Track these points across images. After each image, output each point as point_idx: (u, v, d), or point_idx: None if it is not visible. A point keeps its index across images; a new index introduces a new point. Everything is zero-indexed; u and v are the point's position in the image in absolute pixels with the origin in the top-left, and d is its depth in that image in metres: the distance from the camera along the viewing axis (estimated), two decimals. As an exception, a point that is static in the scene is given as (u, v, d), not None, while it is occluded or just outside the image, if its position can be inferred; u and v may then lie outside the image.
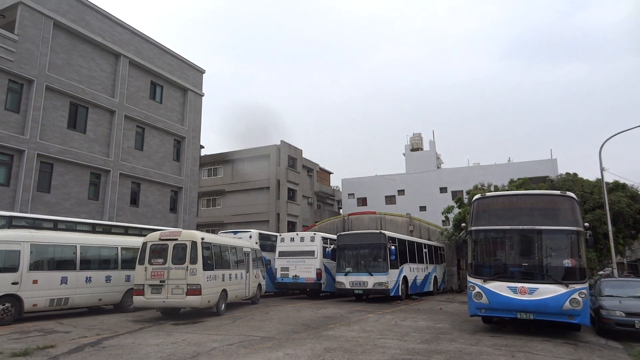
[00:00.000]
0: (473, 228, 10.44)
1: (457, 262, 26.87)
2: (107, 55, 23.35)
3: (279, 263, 19.52)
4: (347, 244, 18.07)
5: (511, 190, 20.53)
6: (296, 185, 39.69)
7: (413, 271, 19.61)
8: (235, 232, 20.71)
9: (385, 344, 8.41)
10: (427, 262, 21.80)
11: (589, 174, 54.58)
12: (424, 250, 21.91)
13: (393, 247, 17.25)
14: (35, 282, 11.67)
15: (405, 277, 18.40)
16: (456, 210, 24.75)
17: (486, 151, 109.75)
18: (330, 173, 50.82)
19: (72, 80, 21.32)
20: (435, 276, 22.74)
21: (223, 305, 13.19)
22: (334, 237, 19.92)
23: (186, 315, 13.09)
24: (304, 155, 42.11)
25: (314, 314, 13.37)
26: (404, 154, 51.23)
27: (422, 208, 42.60)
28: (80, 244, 13.20)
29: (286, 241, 19.79)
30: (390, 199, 45.64)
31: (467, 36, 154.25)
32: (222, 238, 15.20)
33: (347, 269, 17.62)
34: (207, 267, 12.25)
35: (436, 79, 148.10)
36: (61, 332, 9.86)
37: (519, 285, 9.48)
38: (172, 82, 27.23)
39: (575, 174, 22.63)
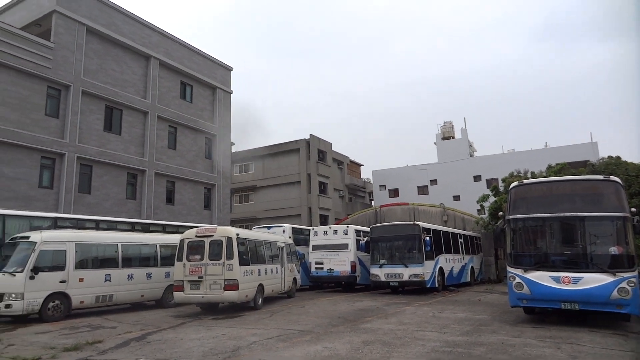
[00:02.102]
0: (511, 217, 10.14)
1: (494, 251, 26.25)
2: (138, 58, 23.92)
3: (313, 257, 19.61)
4: (380, 236, 17.95)
5: (549, 176, 19.84)
6: (327, 178, 39.69)
7: (449, 262, 19.30)
8: (268, 227, 20.92)
9: (424, 336, 8.31)
10: (463, 253, 21.40)
11: (633, 156, 52.18)
12: (460, 240, 21.52)
13: (428, 238, 17.02)
14: (81, 280, 12.15)
15: (441, 268, 18.13)
16: (492, 199, 24.15)
17: (521, 137, 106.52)
18: (360, 165, 50.58)
19: (106, 83, 21.97)
20: (472, 267, 22.32)
21: (260, 300, 13.36)
22: (367, 229, 19.82)
23: (225, 310, 13.34)
24: (333, 149, 42.03)
25: (350, 307, 13.37)
26: (435, 143, 50.40)
27: (456, 197, 41.84)
28: (122, 242, 13.64)
29: (319, 235, 19.84)
30: (422, 189, 45.05)
31: (495, 20, 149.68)
32: (256, 233, 15.38)
33: (382, 261, 17.51)
34: (243, 262, 12.42)
35: (464, 66, 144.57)
36: (107, 327, 10.24)
37: (562, 274, 9.16)
38: (201, 81, 27.66)
39: (618, 157, 21.60)
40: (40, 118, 19.21)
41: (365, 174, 54.84)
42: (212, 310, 13.30)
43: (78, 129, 20.34)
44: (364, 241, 18.72)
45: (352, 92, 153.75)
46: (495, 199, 23.52)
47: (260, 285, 13.43)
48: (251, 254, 13.22)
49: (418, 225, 17.52)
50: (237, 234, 12.60)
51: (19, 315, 11.14)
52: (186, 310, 13.63)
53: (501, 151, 47.52)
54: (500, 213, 12.49)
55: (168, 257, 14.61)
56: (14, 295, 10.90)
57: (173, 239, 14.69)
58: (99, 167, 21.32)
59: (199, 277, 12.12)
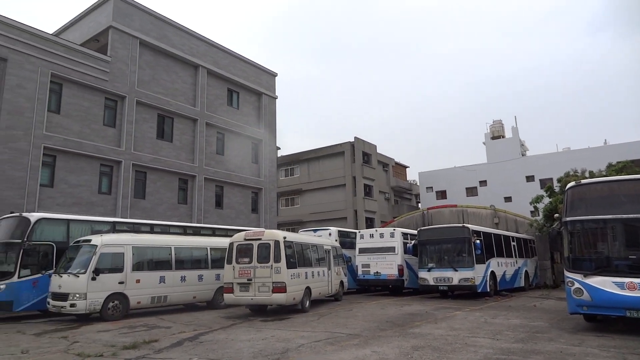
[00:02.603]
0: (568, 219, 9.63)
1: (550, 255, 25.03)
2: (187, 68, 24.85)
3: (359, 260, 19.52)
4: (428, 239, 17.60)
5: (610, 175, 18.70)
6: (372, 181, 39.44)
7: (501, 266, 18.61)
8: (315, 230, 21.04)
9: (476, 342, 8.05)
10: (516, 256, 20.57)
11: None
12: (512, 243, 20.70)
13: (478, 241, 16.50)
14: (138, 281, 12.74)
15: (492, 272, 17.52)
16: (546, 200, 23.07)
17: (578, 134, 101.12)
18: (406, 167, 49.89)
19: (158, 93, 22.97)
20: (526, 271, 21.40)
21: (308, 303, 13.45)
22: (414, 232, 19.50)
23: (273, 312, 13.53)
24: (378, 151, 41.72)
25: (399, 311, 13.19)
26: (484, 143, 48.86)
27: (507, 199, 40.34)
28: (175, 245, 14.19)
29: (366, 238, 19.73)
30: (471, 191, 43.77)
31: (544, 15, 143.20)
32: (303, 236, 15.52)
33: (430, 265, 17.15)
34: (290, 265, 12.56)
35: (513, 64, 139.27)
36: (163, 327, 10.66)
37: (626, 280, 8.58)
38: (247, 88, 28.32)
39: (687, 154, 20.06)
40: (99, 128, 20.37)
41: (412, 175, 54.06)
42: (260, 312, 13.54)
43: (133, 138, 21.40)
44: (412, 244, 18.42)
45: (398, 93, 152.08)
46: (551, 200, 22.46)
47: (308, 288, 13.53)
48: (298, 257, 13.35)
49: (467, 227, 17.04)
50: (285, 237, 12.77)
51: (82, 314, 11.84)
52: (236, 311, 13.95)
53: (555, 150, 45.33)
54: (556, 215, 11.90)
55: (218, 260, 15.04)
56: (77, 295, 11.60)
57: (222, 242, 15.09)
58: (152, 173, 22.30)
59: (248, 280, 12.38)
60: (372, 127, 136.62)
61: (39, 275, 12.85)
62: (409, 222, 29.75)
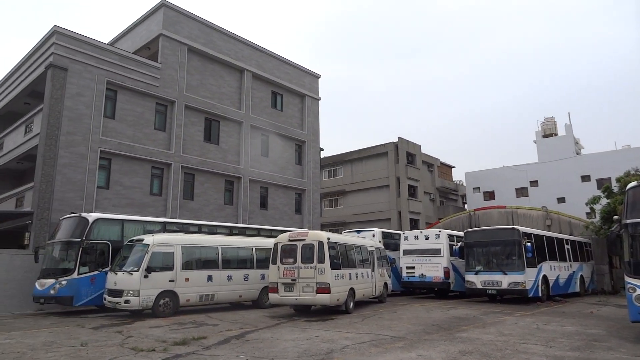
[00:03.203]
0: (629, 221, 9.06)
1: (608, 259, 23.63)
2: (233, 72, 25.46)
3: (404, 262, 19.25)
4: (475, 241, 17.10)
5: (676, 174, 17.40)
6: (416, 181, 38.80)
7: (554, 270, 17.77)
8: (358, 232, 20.96)
9: (528, 349, 7.73)
10: (570, 260, 19.58)
11: None
12: (566, 246, 19.72)
13: (529, 244, 15.85)
14: (187, 279, 13.19)
15: (545, 277, 16.77)
16: (604, 201, 21.79)
17: (639, 132, 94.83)
18: (451, 167, 48.70)
19: (205, 97, 23.69)
20: (581, 275, 20.31)
21: (351, 304, 13.42)
22: (461, 234, 19.01)
23: (317, 313, 13.60)
24: (423, 151, 41.00)
25: (445, 315, 12.89)
26: (534, 142, 46.91)
27: (560, 200, 38.48)
28: (221, 245, 14.58)
29: (410, 239, 19.44)
30: (521, 192, 42.08)
31: (596, 5, 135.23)
32: (346, 237, 15.51)
33: (478, 268, 16.65)
34: (334, 266, 12.58)
35: (564, 58, 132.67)
36: (210, 325, 10.97)
37: (695, 287, 7.97)
38: (290, 90, 28.65)
39: None
40: (150, 132, 21.26)
41: (458, 176, 52.73)
42: (305, 312, 13.65)
43: (182, 141, 22.17)
44: (458, 246, 17.96)
45: (442, 92, 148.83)
46: (609, 200, 21.20)
47: (352, 289, 13.49)
48: (342, 258, 13.34)
49: (517, 229, 16.41)
50: (328, 238, 12.80)
51: (136, 310, 12.40)
52: (280, 311, 14.13)
53: (614, 148, 42.75)
54: (615, 217, 11.16)
55: (263, 260, 15.31)
56: (131, 292, 12.16)
57: (267, 242, 15.35)
58: (200, 175, 23.02)
59: (292, 280, 12.51)
60: (416, 128, 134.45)
61: (96, 272, 13.59)
62: (455, 223, 29.02)
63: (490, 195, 43.73)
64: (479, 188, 44.82)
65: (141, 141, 20.72)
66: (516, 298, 17.32)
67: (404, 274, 19.14)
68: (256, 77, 26.50)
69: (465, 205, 46.56)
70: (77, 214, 14.62)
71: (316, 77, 30.80)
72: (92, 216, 14.14)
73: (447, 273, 17.98)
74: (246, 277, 14.97)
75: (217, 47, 24.46)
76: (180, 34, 22.71)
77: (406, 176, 37.56)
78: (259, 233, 18.39)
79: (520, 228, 16.71)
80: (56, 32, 18.52)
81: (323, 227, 33.85)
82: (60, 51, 18.41)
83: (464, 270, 17.48)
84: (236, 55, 25.38)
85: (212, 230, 17.06)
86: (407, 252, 19.30)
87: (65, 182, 17.77)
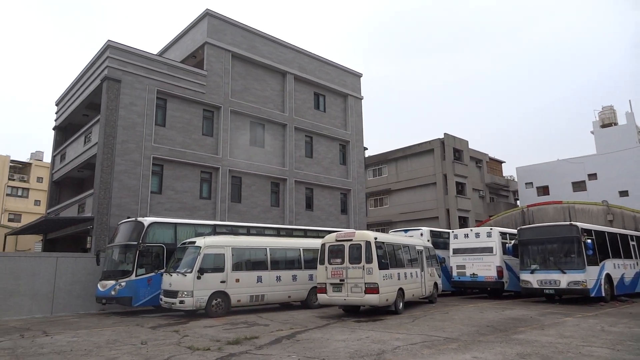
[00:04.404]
0: None
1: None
2: (276, 75, 25.82)
3: (454, 261, 18.76)
4: (530, 238, 16.36)
5: None
6: (464, 178, 37.74)
7: (618, 268, 16.70)
8: (405, 231, 20.65)
9: (592, 352, 7.29)
10: (637, 257, 18.34)
11: None
12: (632, 243, 18.48)
13: (589, 241, 14.98)
14: (237, 280, 13.50)
15: (608, 275, 15.78)
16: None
17: None
18: (501, 162, 46.99)
19: (250, 102, 24.16)
20: (649, 273, 18.96)
21: (401, 304, 13.22)
22: (514, 231, 18.27)
23: (366, 313, 13.50)
24: (470, 146, 39.82)
25: (499, 315, 12.42)
26: (592, 132, 44.36)
27: (623, 193, 36.13)
28: (270, 246, 14.81)
29: (460, 238, 18.90)
30: (578, 186, 39.89)
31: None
32: (394, 237, 15.30)
33: (533, 266, 15.92)
34: (382, 266, 12.45)
35: (621, 45, 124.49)
36: (261, 325, 11.16)
37: None
38: (332, 90, 28.67)
39: None
40: (198, 137, 21.95)
41: (508, 171, 50.81)
42: (354, 312, 13.59)
43: (229, 145, 22.74)
44: (511, 244, 17.27)
45: (488, 85, 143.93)
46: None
47: (401, 289, 13.29)
48: (390, 257, 13.18)
49: (576, 226, 15.56)
50: (375, 238, 12.68)
51: (190, 310, 12.83)
52: (329, 311, 14.15)
53: (682, 136, 39.68)
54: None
55: (310, 261, 15.40)
56: (185, 293, 12.59)
57: (314, 243, 15.43)
58: (247, 178, 23.50)
59: (340, 280, 12.49)
60: (462, 124, 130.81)
61: (153, 274, 14.19)
62: (507, 220, 27.98)
63: (544, 191, 41.77)
64: (531, 183, 42.91)
65: (190, 147, 21.43)
66: (576, 298, 16.44)
67: (454, 273, 18.65)
68: (298, 79, 26.73)
69: (517, 202, 44.75)
70: (133, 219, 15.33)
71: (358, 76, 30.65)
72: (147, 220, 14.77)
73: (500, 272, 17.34)
74: (294, 278, 15.11)
75: (260, 51, 24.89)
76: (224, 41, 23.29)
77: (453, 173, 36.62)
78: (305, 234, 18.52)
79: (579, 224, 15.84)
80: (110, 46, 19.52)
81: (369, 227, 33.62)
82: (114, 64, 19.39)
83: (518, 269, 16.80)
84: (278, 59, 25.72)
85: (260, 232, 17.37)
86: (457, 251, 18.79)
87: (121, 188, 18.68)
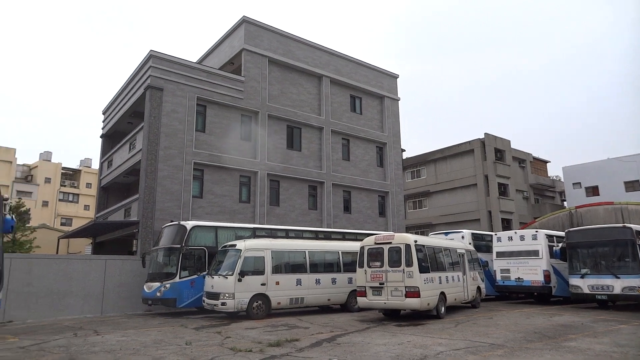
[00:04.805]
0: None
1: None
2: (312, 79, 25.96)
3: (497, 264, 18.17)
4: (579, 241, 15.62)
5: None
6: (507, 179, 36.58)
7: (678, 272, 15.64)
8: (446, 233, 20.21)
9: (653, 362, 6.86)
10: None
11: None
12: (692, 245, 17.27)
13: (645, 244, 14.13)
14: (277, 283, 13.62)
15: (666, 280, 14.81)
16: None
17: None
18: (546, 162, 45.23)
19: (286, 106, 24.40)
20: None
21: (443, 309, 12.93)
22: (561, 234, 17.50)
23: (407, 317, 13.29)
24: (512, 146, 38.57)
25: (547, 322, 11.92)
26: (644, 129, 41.90)
27: (681, 193, 33.92)
28: (309, 249, 14.86)
29: (503, 240, 18.29)
30: (631, 185, 37.77)
31: None
32: (434, 240, 15.00)
33: (583, 271, 15.18)
34: (422, 269, 12.22)
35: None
36: (301, 327, 11.20)
37: None
38: (369, 92, 28.53)
39: None
40: (237, 142, 22.37)
41: (554, 171, 48.83)
42: (394, 316, 13.40)
43: (266, 149, 23.04)
44: (559, 247, 16.55)
45: (529, 82, 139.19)
46: None
47: (442, 293, 13.00)
48: (430, 261, 12.92)
49: (630, 228, 14.72)
50: (415, 241, 12.48)
51: (231, 311, 13.06)
52: (369, 315, 14.03)
53: None
54: None
55: (349, 264, 15.34)
56: (227, 295, 12.82)
57: (353, 246, 15.36)
58: (284, 182, 23.72)
59: (380, 284, 12.36)
60: (503, 123, 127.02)
61: (195, 276, 14.55)
62: (554, 222, 26.88)
63: (593, 191, 39.85)
64: (579, 183, 41.05)
65: (229, 151, 21.86)
66: (632, 305, 15.54)
67: (498, 277, 18.06)
68: (334, 82, 26.76)
69: (565, 203, 42.91)
70: (176, 222, 15.79)
71: (394, 77, 30.35)
72: (189, 224, 15.18)
73: (547, 276, 16.64)
74: (334, 281, 15.09)
75: (296, 56, 25.11)
76: (261, 47, 23.65)
77: (495, 174, 35.57)
78: (344, 237, 18.49)
79: (634, 226, 14.98)
80: (152, 56, 20.24)
81: (408, 229, 33.16)
82: (156, 73, 20.09)
83: (566, 274, 16.07)
84: (314, 63, 25.85)
85: (298, 235, 17.48)
86: (500, 255, 18.19)
87: (164, 192, 19.28)
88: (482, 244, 19.87)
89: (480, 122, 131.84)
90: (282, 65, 24.66)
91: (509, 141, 38.22)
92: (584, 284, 15.02)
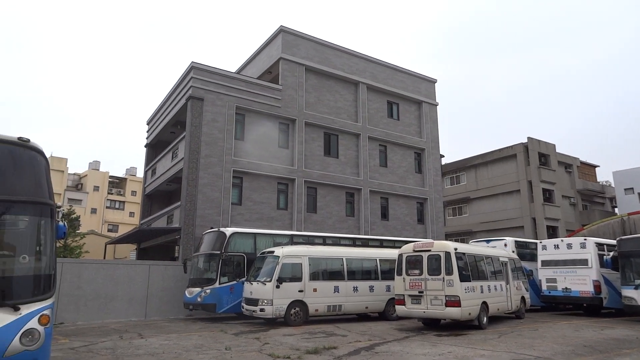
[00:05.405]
0: None
1: None
2: (348, 86, 26.00)
3: (543, 274, 17.45)
4: (633, 250, 14.74)
5: None
6: (552, 184, 35.17)
7: None
8: (487, 241, 19.62)
9: None
10: None
11: None
12: None
13: None
14: (314, 290, 13.63)
15: None
16: None
17: None
18: (595, 166, 43.18)
19: (323, 113, 24.53)
20: None
21: (485, 319, 12.52)
22: (613, 242, 16.64)
23: (447, 327, 12.97)
24: (557, 150, 37.08)
25: (598, 335, 11.31)
26: None
27: None
28: (346, 256, 14.80)
29: (549, 249, 17.56)
30: (690, 191, 35.46)
31: None
32: (475, 248, 14.60)
33: (638, 281, 14.31)
34: (463, 278, 11.90)
35: None
36: (339, 335, 11.14)
37: None
38: (406, 98, 28.25)
39: None
40: (274, 150, 22.68)
41: (603, 176, 46.53)
42: (433, 325, 13.11)
43: (304, 156, 23.22)
44: (610, 256, 15.72)
45: (574, 84, 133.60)
46: None
47: (484, 303, 12.60)
48: (471, 269, 12.56)
49: (689, 236, 13.80)
50: (456, 249, 12.18)
51: (270, 318, 13.17)
52: (408, 324, 13.78)
53: None
54: None
55: (387, 271, 15.16)
56: (265, 301, 12.95)
57: (391, 253, 15.17)
58: (322, 189, 23.80)
59: (419, 292, 12.13)
60: (546, 126, 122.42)
61: (234, 282, 14.80)
62: (604, 230, 25.56)
63: (647, 197, 37.63)
64: (632, 189, 38.88)
65: (267, 159, 22.18)
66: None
67: (544, 287, 17.33)
68: (371, 88, 26.69)
69: (616, 209, 40.74)
70: (216, 229, 16.14)
71: (432, 82, 29.92)
72: (229, 230, 15.48)
73: (597, 287, 15.82)
74: (371, 289, 14.94)
75: (332, 63, 25.25)
76: (298, 55, 23.95)
77: (539, 179, 34.29)
78: (381, 244, 18.30)
79: (693, 234, 14.03)
80: (194, 67, 20.90)
81: (447, 237, 32.44)
82: (197, 84, 20.72)
83: (618, 284, 15.22)
84: (350, 69, 25.90)
85: (335, 242, 17.45)
86: (546, 263, 17.47)
87: (205, 200, 19.77)
88: (526, 252, 19.15)
89: (522, 126, 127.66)
90: (319, 73, 24.84)
91: (554, 145, 36.79)
92: (638, 295, 14.17)
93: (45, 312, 4.66)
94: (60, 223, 5.41)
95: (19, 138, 5.09)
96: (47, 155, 5.46)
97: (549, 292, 17.14)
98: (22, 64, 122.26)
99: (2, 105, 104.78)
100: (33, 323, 4.53)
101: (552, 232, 33.46)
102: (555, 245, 17.51)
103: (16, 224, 5.17)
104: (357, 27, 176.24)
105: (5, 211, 4.85)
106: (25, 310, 4.53)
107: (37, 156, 5.18)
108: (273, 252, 13.84)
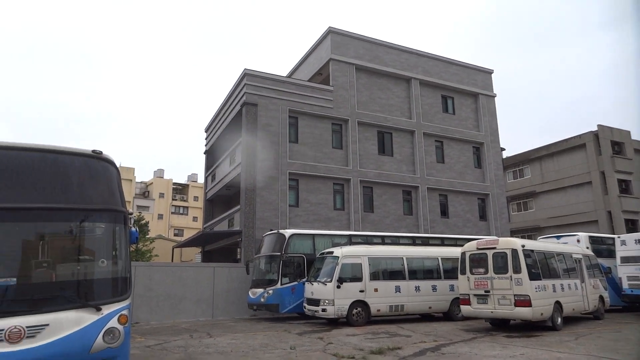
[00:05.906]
0: None
1: None
2: (400, 82, 25.56)
3: (623, 271, 16.17)
4: None
5: None
6: (629, 174, 32.55)
7: None
8: (558, 237, 18.49)
9: None
10: None
11: None
12: None
13: None
14: (375, 290, 13.50)
15: None
16: None
17: None
18: (678, 152, 39.44)
19: (376, 111, 24.28)
20: None
21: (559, 319, 11.78)
22: None
23: (517, 328, 12.35)
24: (633, 137, 34.30)
25: (692, 337, 10.30)
26: None
27: None
28: (406, 255, 14.54)
29: (629, 244, 16.24)
30: None
31: None
32: (544, 244, 13.82)
33: None
34: (533, 276, 11.28)
35: None
36: (403, 335, 10.94)
37: None
38: (461, 91, 27.33)
39: None
40: (329, 151, 22.74)
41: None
42: (502, 326, 12.54)
43: (358, 156, 23.10)
44: (701, 251, 14.28)
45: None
46: None
47: (557, 302, 11.86)
48: (541, 267, 11.88)
49: None
50: (523, 245, 11.58)
51: (331, 318, 13.20)
52: (475, 324, 13.29)
53: None
54: None
55: (450, 270, 14.72)
56: (327, 301, 13.00)
57: (453, 251, 14.72)
58: (378, 188, 23.55)
59: (485, 291, 11.66)
60: (616, 111, 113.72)
61: (295, 282, 14.98)
62: (692, 222, 23.24)
63: None
64: None
65: (322, 160, 22.29)
66: None
67: (624, 285, 16.05)
68: (424, 83, 26.08)
69: None
70: (275, 231, 16.43)
71: (489, 73, 28.74)
72: (288, 232, 15.71)
73: (688, 284, 14.42)
74: (434, 288, 14.56)
75: (383, 61, 24.94)
76: (347, 55, 23.89)
77: (613, 169, 31.86)
78: (442, 242, 17.82)
79: None
80: (247, 74, 21.45)
81: (513, 233, 30.96)
82: (250, 90, 21.24)
83: None
84: (402, 66, 25.46)
85: (394, 241, 17.21)
86: (626, 260, 16.17)
87: (263, 203, 20.20)
88: (603, 248, 17.84)
89: (590, 115, 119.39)
90: (369, 71, 24.63)
91: (629, 132, 34.05)
92: None
93: (123, 312, 4.93)
94: (133, 229, 5.71)
95: (93, 151, 5.42)
96: (117, 165, 5.79)
97: (632, 291, 15.84)
98: (93, 82, 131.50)
99: (77, 123, 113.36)
100: (113, 322, 4.80)
101: (632, 226, 30.95)
102: (636, 240, 16.17)
103: (94, 231, 5.51)
104: (403, 24, 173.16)
105: (84, 219, 5.18)
106: (106, 310, 4.81)
107: (110, 167, 5.49)
108: (332, 252, 13.87)
